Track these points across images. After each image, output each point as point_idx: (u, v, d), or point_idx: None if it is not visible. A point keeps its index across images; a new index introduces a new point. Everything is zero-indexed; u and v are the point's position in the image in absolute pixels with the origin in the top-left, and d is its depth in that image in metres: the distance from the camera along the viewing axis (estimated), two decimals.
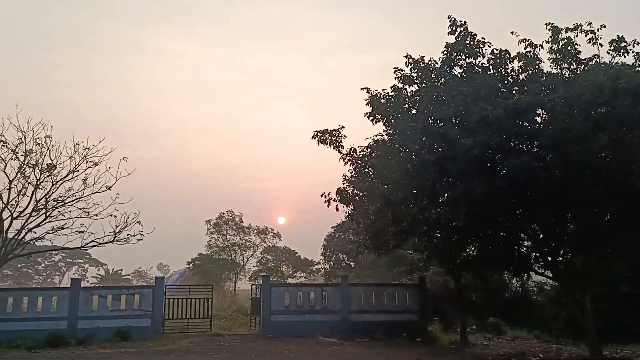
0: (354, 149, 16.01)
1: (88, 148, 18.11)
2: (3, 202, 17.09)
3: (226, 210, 49.25)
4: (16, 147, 16.84)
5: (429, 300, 21.65)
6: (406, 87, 15.17)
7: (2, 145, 16.62)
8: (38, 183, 17.29)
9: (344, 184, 16.85)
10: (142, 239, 19.23)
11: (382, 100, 14.74)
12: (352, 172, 16.23)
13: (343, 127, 15.91)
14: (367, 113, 15.90)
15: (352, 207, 16.56)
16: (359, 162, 15.78)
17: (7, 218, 17.41)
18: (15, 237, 17.73)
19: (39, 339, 17.16)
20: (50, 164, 17.21)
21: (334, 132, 15.81)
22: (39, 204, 17.68)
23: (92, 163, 18.12)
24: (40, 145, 16.94)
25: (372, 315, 21.19)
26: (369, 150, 15.64)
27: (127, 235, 19.16)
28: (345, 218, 17.38)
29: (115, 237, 18.84)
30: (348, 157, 15.88)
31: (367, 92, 15.16)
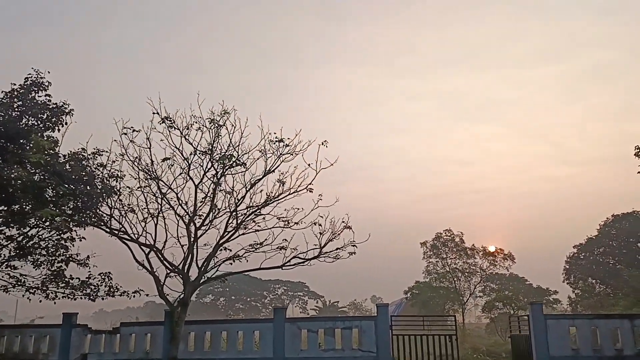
0: None
1: (282, 140, 14.06)
2: (188, 212, 13.83)
3: (444, 230, 42.64)
4: (198, 141, 13.49)
5: None
6: None
7: (171, 128, 13.27)
8: (222, 182, 13.67)
9: None
10: (354, 252, 14.28)
11: None
12: None
13: None
14: None
15: None
16: None
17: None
18: (211, 256, 14.37)
19: None
20: (235, 158, 13.43)
21: None
22: (232, 214, 14.12)
23: (288, 154, 13.97)
24: (218, 125, 13.19)
25: None
26: None
27: (337, 249, 14.44)
28: None
29: (320, 251, 14.27)
30: None
31: None
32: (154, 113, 13.17)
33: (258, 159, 13.84)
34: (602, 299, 34.09)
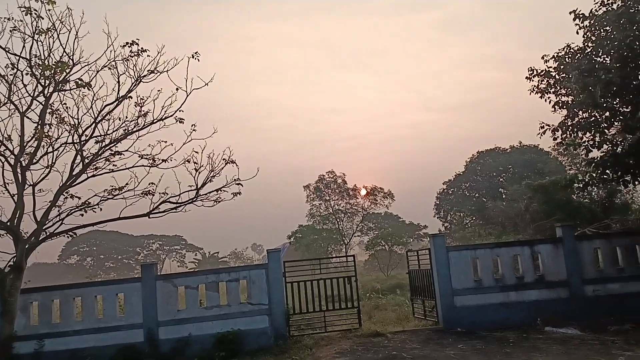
0: None
1: (135, 43, 10.83)
2: (12, 150, 10.30)
3: (327, 172, 41.83)
4: (19, 53, 9.86)
5: None
6: None
7: None
8: (54, 104, 10.37)
9: None
10: (240, 193, 11.98)
11: None
12: None
13: None
14: None
15: None
16: None
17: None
18: (51, 206, 11.11)
19: None
20: (70, 67, 10.13)
21: None
22: (78, 151, 10.91)
23: (149, 72, 10.97)
24: (39, 17, 9.66)
25: (621, 285, 12.82)
26: None
27: (217, 190, 12.02)
28: None
29: (197, 193, 11.76)
30: None
31: None
32: None
33: (102, 68, 10.59)
34: (479, 228, 35.74)
